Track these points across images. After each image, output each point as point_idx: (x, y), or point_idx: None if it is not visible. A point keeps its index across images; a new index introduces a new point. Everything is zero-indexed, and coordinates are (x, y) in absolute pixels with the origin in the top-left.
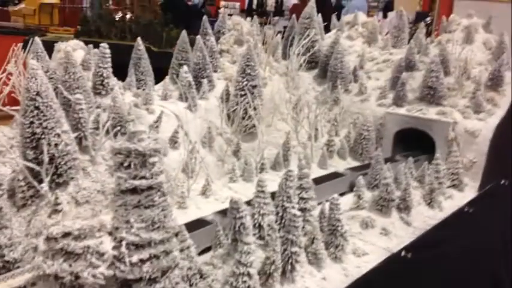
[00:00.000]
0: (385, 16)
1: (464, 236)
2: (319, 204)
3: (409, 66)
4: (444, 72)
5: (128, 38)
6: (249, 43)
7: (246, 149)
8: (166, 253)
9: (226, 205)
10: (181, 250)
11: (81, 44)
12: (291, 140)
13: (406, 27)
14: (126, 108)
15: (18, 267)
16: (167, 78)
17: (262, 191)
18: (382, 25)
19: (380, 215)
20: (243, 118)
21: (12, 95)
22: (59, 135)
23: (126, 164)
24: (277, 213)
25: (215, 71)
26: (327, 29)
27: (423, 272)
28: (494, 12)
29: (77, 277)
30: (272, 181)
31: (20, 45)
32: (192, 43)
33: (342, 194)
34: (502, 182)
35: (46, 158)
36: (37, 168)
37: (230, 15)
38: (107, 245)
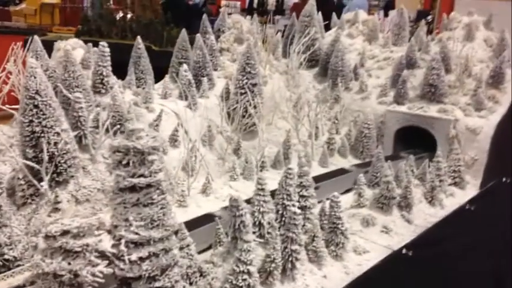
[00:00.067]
0: (386, 15)
1: (465, 233)
2: (319, 202)
3: (409, 63)
4: (445, 70)
5: (128, 37)
6: (249, 41)
7: (246, 147)
8: (166, 251)
9: (226, 203)
10: (181, 248)
11: (81, 42)
12: (292, 138)
13: (407, 25)
14: (126, 106)
15: (18, 265)
16: (167, 77)
17: (262, 189)
18: (383, 23)
19: (381, 213)
20: (243, 116)
21: (12, 93)
22: (58, 134)
23: (124, 162)
24: (278, 211)
25: (215, 70)
26: (328, 27)
27: (424, 270)
28: (494, 9)
29: (76, 275)
30: (272, 179)
31: (20, 44)
32: (192, 42)
33: (348, 190)
34: (504, 179)
35: (46, 157)
36: (37, 166)
37: (230, 14)
38: (106, 243)
